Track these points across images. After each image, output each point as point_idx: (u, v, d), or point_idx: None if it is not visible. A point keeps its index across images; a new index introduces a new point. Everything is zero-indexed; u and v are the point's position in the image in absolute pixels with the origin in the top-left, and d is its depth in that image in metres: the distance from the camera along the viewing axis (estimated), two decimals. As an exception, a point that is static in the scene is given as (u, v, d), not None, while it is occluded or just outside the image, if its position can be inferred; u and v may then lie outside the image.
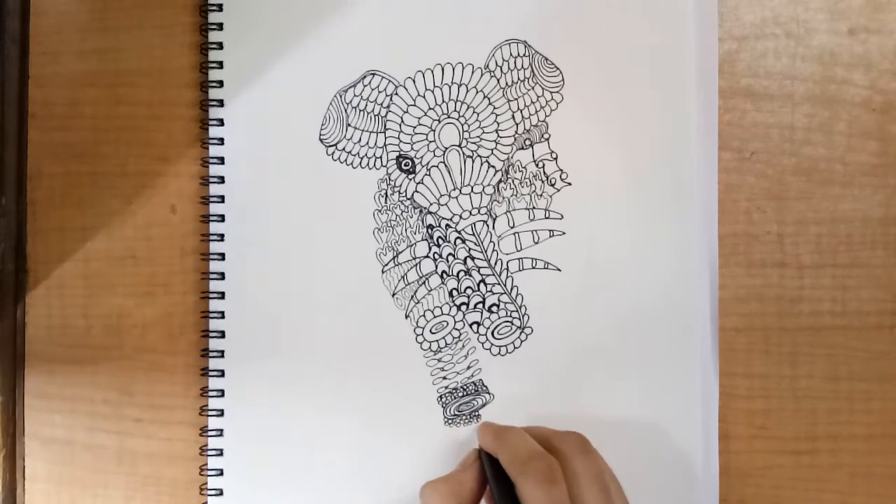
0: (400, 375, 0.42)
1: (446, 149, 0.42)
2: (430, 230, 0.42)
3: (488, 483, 0.36)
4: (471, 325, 0.42)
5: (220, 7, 0.43)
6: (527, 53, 0.42)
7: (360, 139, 0.42)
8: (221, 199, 0.43)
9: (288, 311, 0.42)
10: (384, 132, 0.42)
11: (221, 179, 0.43)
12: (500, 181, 0.42)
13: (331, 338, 0.42)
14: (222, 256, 0.43)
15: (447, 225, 0.42)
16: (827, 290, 0.42)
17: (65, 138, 0.44)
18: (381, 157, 0.42)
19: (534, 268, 0.42)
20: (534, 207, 0.42)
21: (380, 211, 0.42)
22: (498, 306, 0.42)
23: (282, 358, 0.42)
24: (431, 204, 0.42)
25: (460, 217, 0.42)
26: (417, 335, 0.42)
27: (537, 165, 0.42)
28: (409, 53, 0.42)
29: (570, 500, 0.33)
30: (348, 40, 0.42)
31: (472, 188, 0.42)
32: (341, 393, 0.42)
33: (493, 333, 0.42)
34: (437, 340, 0.42)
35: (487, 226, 0.42)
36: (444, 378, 0.42)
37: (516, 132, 0.42)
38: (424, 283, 0.42)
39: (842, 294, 0.42)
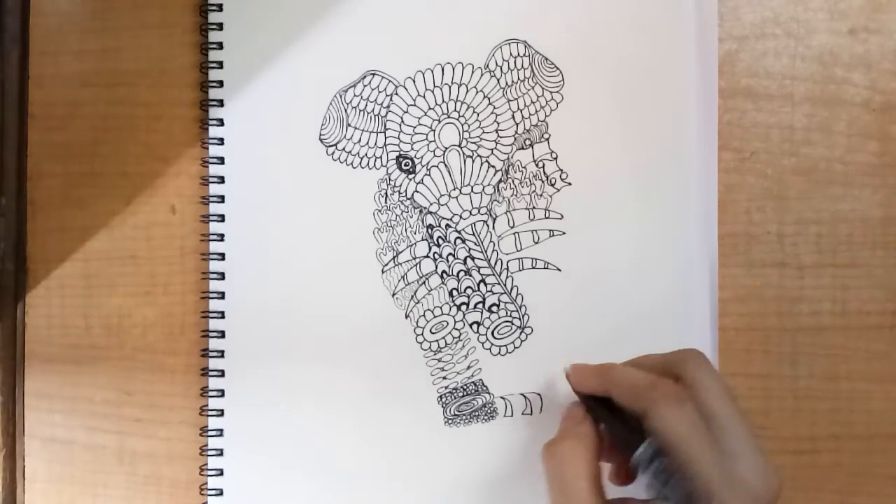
0: (400, 375, 0.42)
1: (446, 149, 0.42)
2: (430, 230, 0.42)
3: (603, 426, 0.35)
4: (471, 325, 0.42)
5: (220, 7, 0.43)
6: (527, 53, 0.42)
7: (360, 139, 0.42)
8: (221, 199, 0.43)
9: (288, 311, 0.42)
10: (384, 132, 0.42)
11: (221, 179, 0.43)
12: (500, 181, 0.42)
13: (331, 337, 0.42)
14: (222, 256, 0.43)
15: (447, 225, 0.42)
16: (827, 290, 0.42)
17: (65, 138, 0.44)
18: (381, 157, 0.42)
19: (534, 268, 0.42)
20: (534, 207, 0.42)
21: (380, 211, 0.42)
22: (498, 306, 0.42)
23: (281, 358, 0.42)
24: (431, 204, 0.42)
25: (460, 217, 0.42)
26: (417, 335, 0.42)
27: (537, 165, 0.42)
28: (409, 53, 0.42)
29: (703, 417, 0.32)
30: (348, 40, 0.42)
31: (472, 188, 0.42)
32: (341, 393, 0.42)
33: (493, 333, 0.42)
34: (437, 340, 0.42)
35: (487, 226, 0.42)
36: (444, 378, 0.42)
37: (516, 132, 0.42)
38: (424, 283, 0.42)
39: (842, 294, 0.42)
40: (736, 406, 0.33)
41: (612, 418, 0.35)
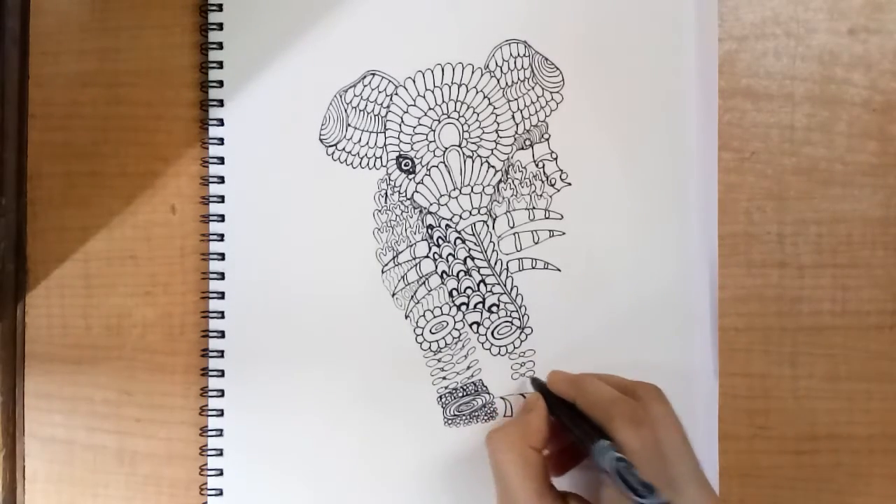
0: (400, 375, 0.42)
1: (446, 149, 0.42)
2: (430, 230, 0.42)
3: (557, 424, 0.37)
4: (471, 325, 0.42)
5: (220, 7, 0.43)
6: (527, 53, 0.42)
7: (360, 139, 0.42)
8: (221, 199, 0.43)
9: (287, 311, 0.42)
10: (384, 132, 0.42)
11: (221, 179, 0.43)
12: (500, 181, 0.42)
13: (330, 337, 0.42)
14: (222, 256, 0.43)
15: (447, 225, 0.42)
16: (827, 290, 0.42)
17: (65, 138, 0.44)
18: (381, 157, 0.42)
19: (534, 268, 0.42)
20: (534, 207, 0.42)
21: (380, 211, 0.42)
22: (498, 306, 0.42)
23: (281, 358, 0.42)
24: (431, 204, 0.42)
25: (460, 217, 0.42)
26: (417, 335, 0.42)
27: (537, 165, 0.42)
28: (409, 53, 0.42)
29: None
30: (348, 40, 0.42)
31: (472, 188, 0.42)
32: (341, 393, 0.42)
33: (493, 333, 0.42)
34: (437, 340, 0.42)
35: (487, 226, 0.42)
36: (444, 378, 0.42)
37: (516, 132, 0.42)
38: (424, 283, 0.42)
39: (842, 294, 0.42)
40: (687, 441, 0.35)
41: (573, 418, 0.36)
